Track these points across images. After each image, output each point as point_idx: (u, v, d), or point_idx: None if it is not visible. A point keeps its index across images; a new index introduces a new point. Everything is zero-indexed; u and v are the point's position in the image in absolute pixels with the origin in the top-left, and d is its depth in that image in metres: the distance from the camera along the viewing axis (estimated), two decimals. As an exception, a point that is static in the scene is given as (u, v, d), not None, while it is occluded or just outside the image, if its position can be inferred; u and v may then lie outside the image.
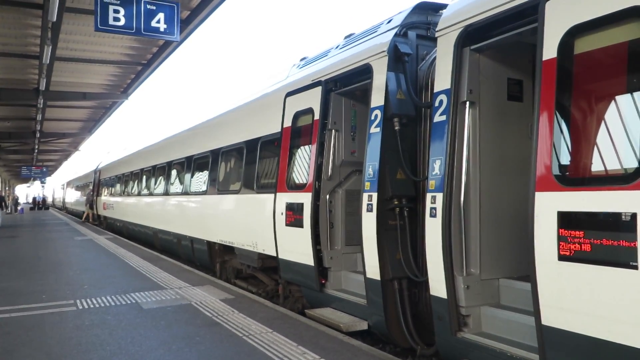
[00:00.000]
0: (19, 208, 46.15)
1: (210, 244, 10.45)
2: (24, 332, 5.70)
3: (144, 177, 16.63)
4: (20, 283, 8.79)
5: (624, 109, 3.26)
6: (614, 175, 3.24)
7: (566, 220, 3.38)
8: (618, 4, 3.21)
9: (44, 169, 48.81)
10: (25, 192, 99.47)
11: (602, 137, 3.36)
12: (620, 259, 3.08)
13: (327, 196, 6.62)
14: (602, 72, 3.39)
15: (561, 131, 3.57)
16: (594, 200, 3.24)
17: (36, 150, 36.28)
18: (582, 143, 3.47)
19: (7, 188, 66.11)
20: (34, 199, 61.25)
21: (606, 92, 3.36)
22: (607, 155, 3.31)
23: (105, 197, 24.76)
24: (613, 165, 3.28)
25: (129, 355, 4.84)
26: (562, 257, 3.40)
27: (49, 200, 74.80)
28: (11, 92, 17.89)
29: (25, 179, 69.11)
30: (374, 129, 5.63)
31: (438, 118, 4.68)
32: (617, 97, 3.30)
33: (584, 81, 3.49)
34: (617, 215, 3.11)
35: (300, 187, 6.88)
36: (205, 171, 10.74)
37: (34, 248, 14.65)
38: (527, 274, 4.51)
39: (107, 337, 5.47)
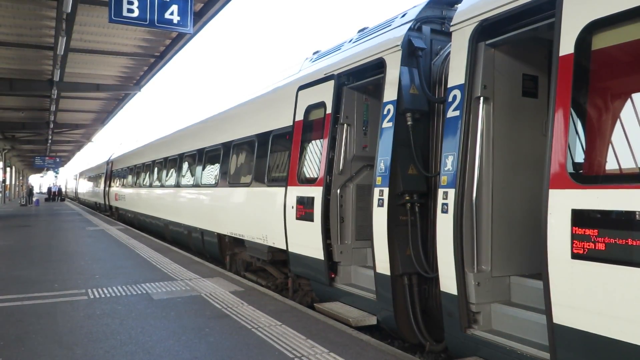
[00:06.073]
0: (33, 199, 43.34)
1: (220, 237, 10.49)
2: (35, 320, 5.76)
3: (156, 168, 16.73)
4: (32, 272, 8.89)
5: (642, 106, 3.21)
6: (630, 174, 3.19)
7: (580, 218, 3.35)
8: None
9: (57, 160, 49.16)
10: (38, 182, 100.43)
11: (618, 135, 3.31)
12: (635, 258, 3.04)
13: (338, 190, 6.61)
14: (620, 69, 3.34)
15: (576, 128, 3.52)
16: (608, 199, 3.20)
17: (49, 141, 36.63)
18: (598, 141, 3.42)
19: (20, 177, 66.77)
20: (49, 189, 60.74)
21: (624, 90, 3.31)
22: (622, 154, 3.27)
23: (117, 188, 24.95)
24: (629, 164, 3.23)
25: (139, 345, 4.88)
26: (575, 256, 3.36)
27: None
28: (25, 82, 18.06)
29: (39, 169, 69.75)
30: (386, 124, 5.60)
31: (451, 113, 4.65)
32: (635, 95, 3.25)
33: (601, 78, 3.44)
34: (632, 214, 3.07)
35: (311, 181, 6.87)
36: (217, 164, 10.77)
37: (47, 237, 14.81)
38: (539, 271, 4.49)
39: (117, 326, 5.52)
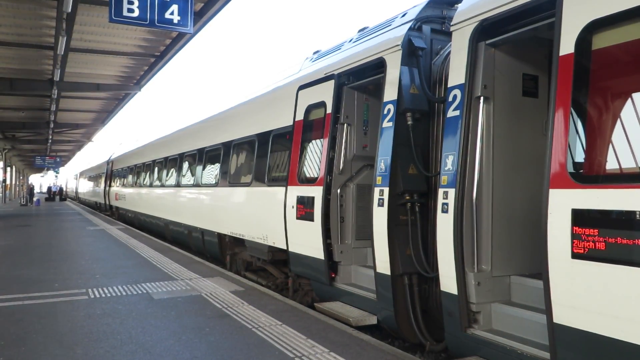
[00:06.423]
0: (34, 199, 42.25)
1: (220, 236, 10.49)
2: (36, 320, 5.76)
3: (156, 168, 16.73)
4: (33, 271, 8.89)
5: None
6: (630, 174, 3.19)
7: (580, 218, 3.35)
8: None
9: (58, 159, 49.10)
10: (39, 182, 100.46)
11: (618, 134, 3.32)
12: (635, 258, 3.04)
13: (338, 190, 6.61)
14: (620, 69, 3.34)
15: (576, 128, 3.52)
16: (609, 198, 3.20)
17: (50, 141, 36.61)
18: (598, 140, 3.42)
19: (21, 177, 66.74)
20: (49, 188, 60.42)
21: (624, 90, 3.31)
22: (622, 154, 3.27)
23: (117, 187, 24.95)
24: (629, 164, 3.23)
25: (139, 345, 4.88)
26: (575, 255, 3.36)
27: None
28: (26, 82, 18.05)
29: (39, 169, 69.66)
30: (387, 124, 5.60)
31: (451, 113, 4.65)
32: (635, 95, 3.25)
33: (601, 78, 3.44)
34: (633, 213, 3.07)
35: (311, 181, 6.88)
36: (217, 163, 10.78)
37: (47, 237, 14.81)
38: (539, 271, 4.49)
39: (118, 326, 5.52)
